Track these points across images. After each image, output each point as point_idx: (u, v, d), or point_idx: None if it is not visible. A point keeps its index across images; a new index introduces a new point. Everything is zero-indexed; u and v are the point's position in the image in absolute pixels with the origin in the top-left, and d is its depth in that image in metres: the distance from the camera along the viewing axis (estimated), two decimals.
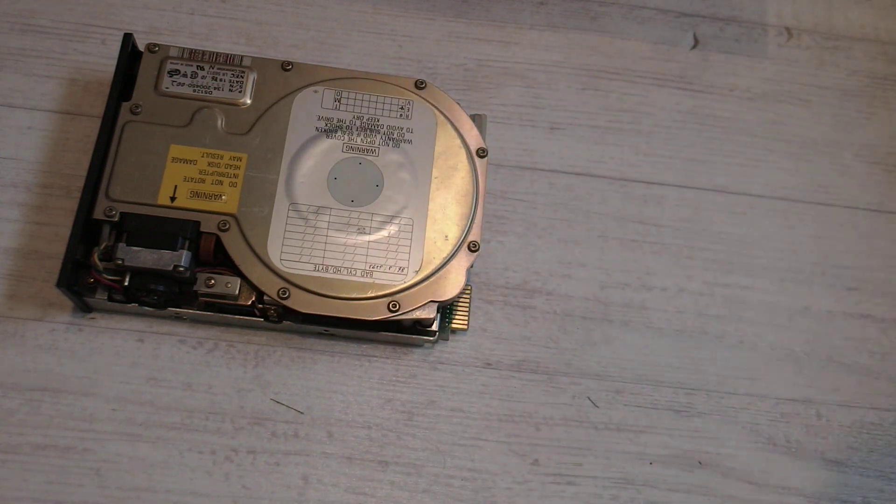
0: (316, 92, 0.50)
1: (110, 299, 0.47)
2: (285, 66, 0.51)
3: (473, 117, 0.52)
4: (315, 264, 0.47)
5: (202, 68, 0.50)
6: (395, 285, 0.47)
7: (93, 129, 0.51)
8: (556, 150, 0.56)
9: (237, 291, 0.47)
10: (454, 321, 0.50)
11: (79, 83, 0.54)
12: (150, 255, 0.45)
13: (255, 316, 0.48)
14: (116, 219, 0.46)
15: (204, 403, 0.48)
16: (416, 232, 0.48)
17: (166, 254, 0.46)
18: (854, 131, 0.59)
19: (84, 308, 0.49)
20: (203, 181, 0.47)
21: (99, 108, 0.51)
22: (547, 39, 0.59)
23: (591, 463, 0.49)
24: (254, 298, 0.47)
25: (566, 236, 0.54)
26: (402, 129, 0.50)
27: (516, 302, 0.52)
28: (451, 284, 0.48)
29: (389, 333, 0.49)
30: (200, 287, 0.47)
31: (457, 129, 0.51)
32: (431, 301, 0.47)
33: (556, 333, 0.52)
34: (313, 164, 0.49)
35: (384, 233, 0.48)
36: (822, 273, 0.55)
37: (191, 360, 0.49)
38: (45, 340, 0.48)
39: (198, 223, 0.47)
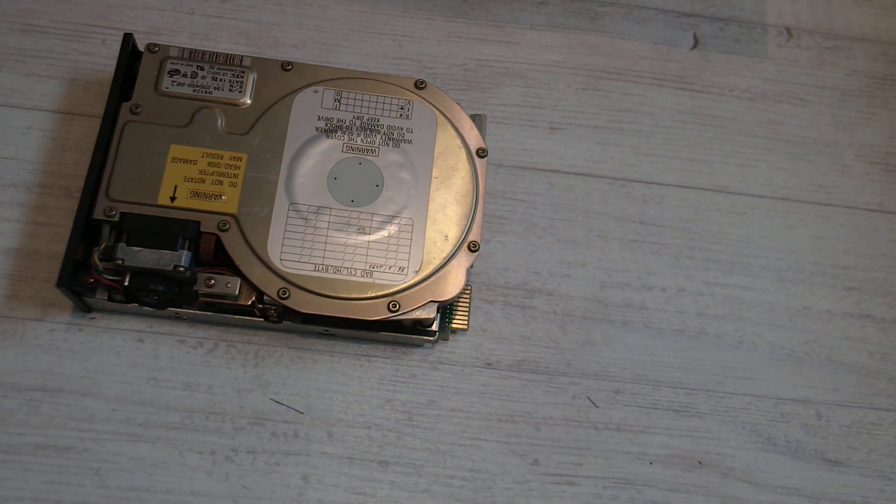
0: (316, 92, 0.50)
1: (110, 299, 0.47)
2: (285, 66, 0.51)
3: (473, 117, 0.52)
4: (315, 264, 0.47)
5: (202, 68, 0.50)
6: (395, 285, 0.47)
7: (93, 129, 0.51)
8: (556, 150, 0.56)
9: (237, 291, 0.47)
10: (454, 321, 0.50)
11: (79, 83, 0.54)
12: (150, 255, 0.45)
13: (255, 316, 0.48)
14: (116, 219, 0.46)
15: (204, 403, 0.48)
16: (416, 232, 0.48)
17: (166, 254, 0.46)
18: (854, 131, 0.59)
19: (84, 308, 0.49)
20: (203, 181, 0.47)
21: (99, 108, 0.51)
22: (547, 39, 0.59)
23: (591, 463, 0.49)
24: (254, 298, 0.47)
25: (566, 236, 0.54)
26: (402, 129, 0.50)
27: (516, 302, 0.52)
28: (451, 284, 0.48)
29: (389, 333, 0.49)
30: (200, 287, 0.47)
31: (457, 129, 0.51)
32: (431, 301, 0.47)
33: (556, 333, 0.52)
34: (313, 164, 0.49)
35: (384, 233, 0.48)
36: (822, 273, 0.55)
37: (191, 360, 0.49)
38: (45, 340, 0.48)
39: (198, 223, 0.47)
